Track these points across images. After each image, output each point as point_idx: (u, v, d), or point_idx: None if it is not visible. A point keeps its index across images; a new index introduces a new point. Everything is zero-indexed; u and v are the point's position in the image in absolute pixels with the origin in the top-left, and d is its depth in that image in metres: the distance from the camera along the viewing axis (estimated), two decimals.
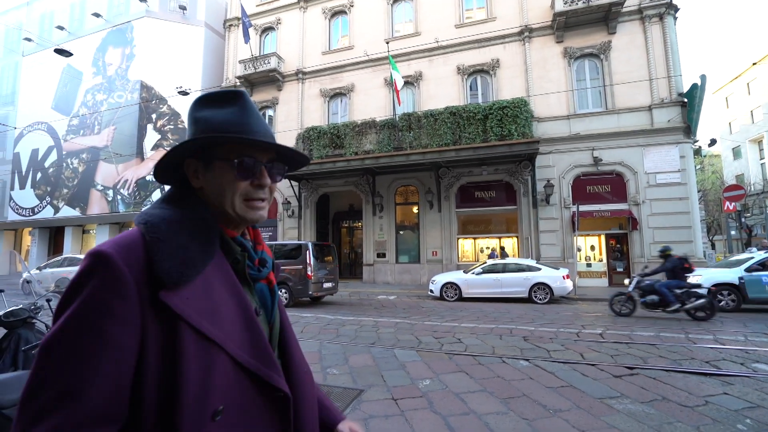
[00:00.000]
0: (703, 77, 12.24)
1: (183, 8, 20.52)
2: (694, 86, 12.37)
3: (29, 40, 23.08)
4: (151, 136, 20.16)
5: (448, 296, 11.14)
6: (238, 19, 17.83)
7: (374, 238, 16.21)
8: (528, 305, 10.04)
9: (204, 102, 0.79)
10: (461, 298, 11.02)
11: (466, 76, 15.55)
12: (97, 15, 21.51)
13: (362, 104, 16.90)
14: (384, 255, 16.04)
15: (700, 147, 29.30)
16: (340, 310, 9.36)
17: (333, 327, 7.33)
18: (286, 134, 17.65)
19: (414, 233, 15.92)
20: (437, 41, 15.77)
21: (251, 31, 18.76)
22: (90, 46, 22.36)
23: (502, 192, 14.80)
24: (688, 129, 12.82)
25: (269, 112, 19.01)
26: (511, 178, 14.41)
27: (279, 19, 19.15)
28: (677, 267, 8.05)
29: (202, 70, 20.57)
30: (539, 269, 10.59)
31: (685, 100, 12.87)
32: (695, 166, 15.89)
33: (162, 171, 0.79)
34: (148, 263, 0.63)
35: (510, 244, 14.92)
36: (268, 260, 0.85)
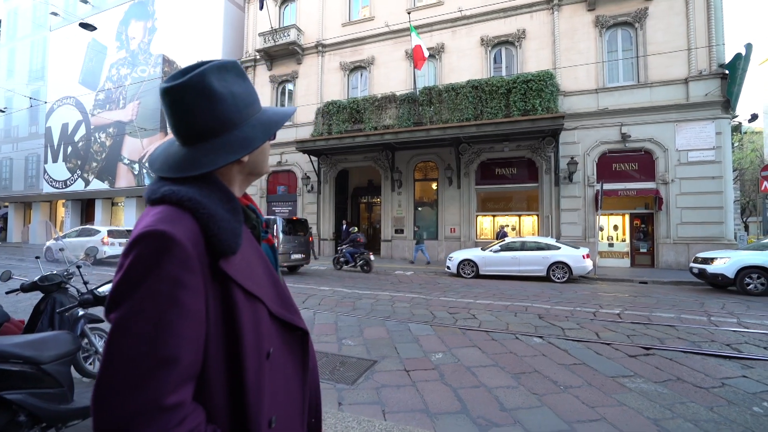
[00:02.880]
0: (748, 46, 11.40)
1: None
2: (738, 56, 11.53)
3: (55, 14, 23.41)
4: None
5: (465, 273, 11.17)
6: None
7: (392, 214, 16.26)
8: (546, 284, 9.98)
9: (225, 73, 0.79)
10: (478, 276, 11.03)
11: (489, 48, 14.95)
12: None
13: (382, 78, 16.58)
14: (402, 231, 16.11)
15: (739, 123, 27.58)
16: (357, 285, 9.55)
17: (350, 300, 7.51)
18: (305, 108, 17.59)
19: (432, 210, 15.86)
20: (461, 11, 15.12)
21: (270, 2, 18.47)
22: (113, 20, 22.55)
23: (523, 169, 14.47)
24: (727, 103, 12.05)
25: (289, 86, 18.92)
26: (533, 154, 14.03)
27: None
28: (354, 240, 12.45)
29: (222, 42, 20.53)
30: (558, 248, 10.44)
31: (726, 72, 12.03)
32: (733, 144, 15.05)
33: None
34: (204, 237, 0.70)
35: (530, 222, 14.69)
36: (270, 223, 0.94)
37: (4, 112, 25.02)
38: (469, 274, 11.11)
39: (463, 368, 3.93)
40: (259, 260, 0.83)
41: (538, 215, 14.25)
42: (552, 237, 12.83)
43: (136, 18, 21.74)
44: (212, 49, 20.11)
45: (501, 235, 13.37)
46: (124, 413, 0.59)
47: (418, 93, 14.49)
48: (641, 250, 13.24)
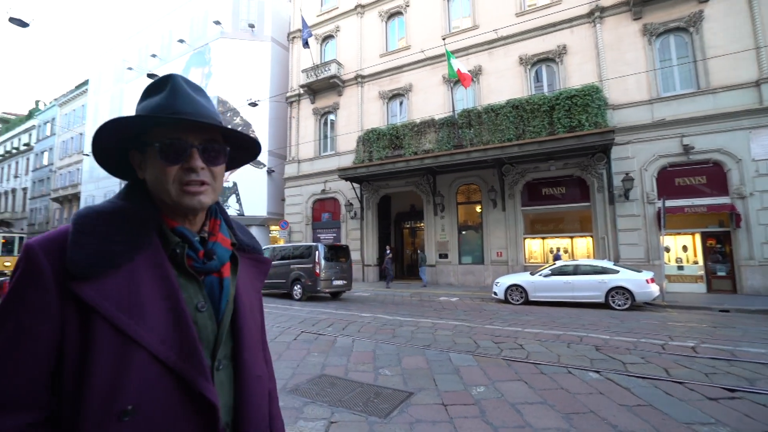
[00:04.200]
0: None
1: (252, 26, 22.14)
2: None
3: (130, 69, 26.57)
4: None
5: (513, 299, 10.54)
6: (301, 30, 18.71)
7: (436, 239, 15.95)
8: (604, 311, 9.11)
9: (144, 93, 0.77)
10: (527, 302, 10.35)
11: (529, 67, 14.65)
12: (181, 41, 24.03)
13: (421, 103, 16.75)
14: (446, 256, 15.70)
15: None
16: (399, 311, 9.31)
17: (390, 327, 7.29)
18: (346, 137, 18.15)
19: (477, 233, 15.36)
20: (497, 32, 15.07)
21: (312, 40, 19.63)
22: (177, 69, 25.03)
23: (573, 188, 13.68)
24: None
25: (331, 116, 19.68)
26: (583, 172, 13.25)
27: (338, 27, 19.76)
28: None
29: (269, 81, 22.03)
30: (617, 271, 9.56)
31: None
32: None
33: (111, 166, 0.81)
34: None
35: (583, 244, 13.71)
36: (219, 252, 0.78)
37: (88, 155, 28.36)
38: (517, 301, 10.46)
39: (506, 405, 3.57)
40: (161, 293, 0.67)
41: (592, 236, 13.28)
42: (609, 260, 11.84)
43: (195, 65, 24.00)
44: (261, 88, 21.61)
45: (556, 258, 12.58)
46: None
47: (456, 116, 14.42)
48: (719, 274, 11.77)
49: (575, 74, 13.72)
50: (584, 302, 9.80)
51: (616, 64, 13.05)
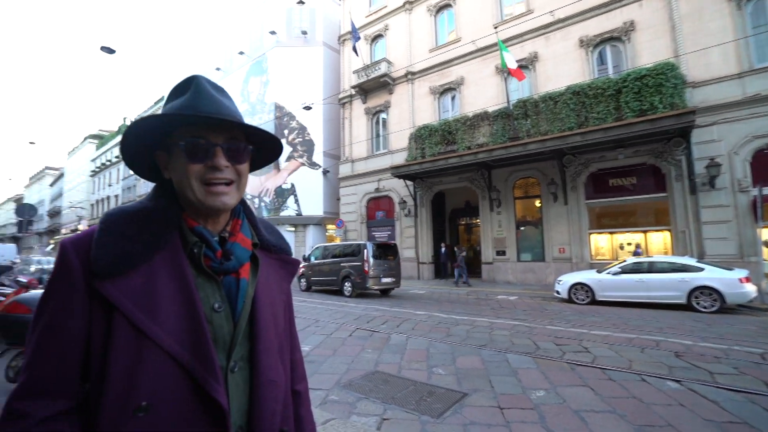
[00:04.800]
0: None
1: (304, 33, 23.01)
2: None
3: None
4: (285, 149, 23.06)
5: (577, 299, 9.87)
6: (351, 33, 19.06)
7: (493, 235, 15.42)
8: (686, 314, 8.20)
9: (170, 95, 0.78)
10: (594, 302, 9.63)
11: (591, 49, 13.58)
12: (241, 53, 25.62)
13: (473, 97, 16.27)
14: (504, 253, 15.13)
15: None
16: (454, 310, 9.14)
17: (444, 326, 7.18)
18: (398, 135, 18.17)
19: (537, 229, 14.60)
20: (553, 14, 14.16)
21: (362, 41, 19.91)
22: (238, 80, 26.75)
23: (645, 177, 12.46)
24: None
25: (383, 115, 19.82)
26: (657, 160, 12.02)
27: (387, 26, 19.82)
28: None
29: (322, 84, 22.73)
30: (701, 269, 8.55)
31: None
32: None
33: (141, 168, 0.82)
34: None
35: (659, 239, 12.44)
36: (238, 252, 0.78)
37: None
38: (582, 300, 9.77)
39: (569, 411, 3.34)
40: (178, 293, 0.68)
41: (669, 230, 12.00)
42: (692, 256, 10.63)
43: (254, 75, 25.46)
44: (314, 91, 22.38)
45: (635, 254, 11.53)
46: (4, 405, 0.63)
47: (511, 107, 13.80)
48: None
49: (645, 52, 12.46)
50: (661, 303, 8.90)
51: (696, 36, 11.63)
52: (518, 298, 11.03)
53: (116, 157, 42.88)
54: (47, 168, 69.23)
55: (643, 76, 11.11)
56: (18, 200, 66.04)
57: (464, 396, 3.74)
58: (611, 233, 13.23)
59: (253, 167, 0.88)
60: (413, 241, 17.59)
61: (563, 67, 14.02)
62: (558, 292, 10.33)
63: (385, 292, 12.38)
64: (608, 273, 9.62)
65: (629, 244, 12.80)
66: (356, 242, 12.87)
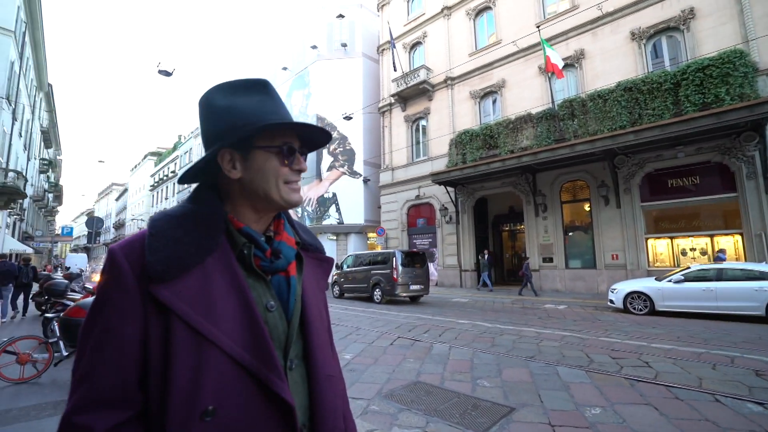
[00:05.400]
0: None
1: (344, 45, 23.60)
2: None
3: None
4: (326, 159, 23.70)
5: (634, 309, 9.18)
6: (389, 43, 19.29)
7: (539, 242, 14.80)
8: (765, 327, 7.34)
9: (227, 90, 0.78)
10: (653, 312, 8.90)
11: (644, 41, 12.75)
12: (284, 68, 26.73)
13: (515, 99, 15.82)
14: (551, 260, 14.45)
15: None
16: (499, 319, 8.82)
17: (489, 336, 6.93)
18: (439, 141, 18.04)
19: (587, 234, 13.82)
20: (601, 8, 13.48)
21: (400, 49, 20.07)
22: (282, 95, 27.89)
23: (710, 176, 11.42)
24: None
25: (422, 122, 19.78)
26: (724, 157, 10.98)
27: (425, 33, 19.85)
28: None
29: (362, 94, 23.13)
30: None
31: None
32: None
33: (194, 169, 0.80)
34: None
35: (728, 243, 11.30)
36: (285, 251, 0.79)
37: None
38: (640, 310, 9.06)
39: None
40: (233, 294, 0.68)
41: (741, 234, 10.88)
42: None
43: (297, 89, 26.44)
44: (354, 101, 22.81)
45: (717, 259, 10.55)
46: (61, 420, 0.62)
47: (556, 107, 13.25)
48: None
49: (708, 40, 11.50)
50: (732, 315, 8.05)
51: None
52: (567, 307, 10.45)
53: (172, 172, 46.05)
54: (114, 184, 75.98)
55: (706, 67, 10.25)
56: (89, 214, 72.83)
57: (512, 411, 3.57)
58: (671, 238, 12.21)
59: None
60: (455, 248, 17.28)
61: (613, 63, 13.28)
62: (612, 302, 9.67)
63: (414, 299, 12.59)
64: (669, 281, 8.86)
65: (693, 249, 11.74)
66: (386, 251, 13.24)
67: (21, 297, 10.39)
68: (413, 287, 11.99)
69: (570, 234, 14.28)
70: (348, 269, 13.91)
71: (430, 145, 18.95)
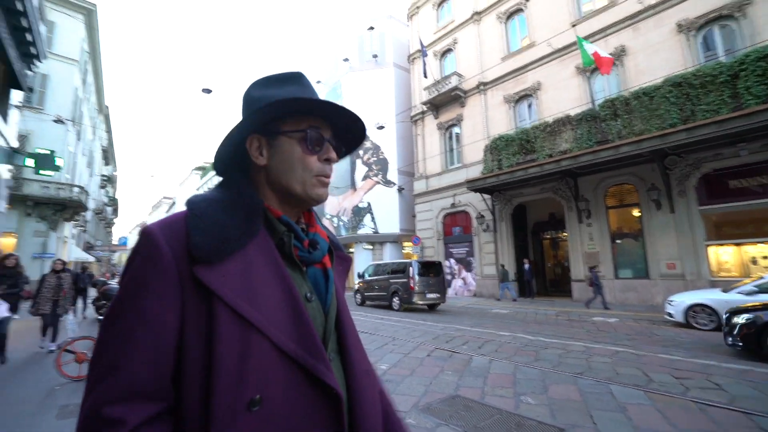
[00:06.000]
0: None
1: (375, 56, 23.91)
2: None
3: None
4: (360, 169, 23.90)
5: (698, 323, 8.35)
6: (420, 51, 19.31)
7: (583, 250, 14.00)
8: None
9: (263, 83, 0.77)
10: (720, 327, 8.04)
11: (693, 33, 11.89)
12: (318, 82, 27.45)
13: (551, 101, 15.24)
14: (597, 269, 13.58)
15: None
16: (542, 331, 8.32)
17: (532, 349, 6.52)
18: (473, 147, 17.71)
19: (637, 242, 12.89)
20: (642, 1, 12.74)
21: (431, 57, 20.03)
22: None
23: None
24: None
25: (455, 129, 19.51)
26: None
27: (455, 39, 19.70)
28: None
29: (394, 103, 23.25)
30: None
31: None
32: None
33: (223, 155, 0.77)
34: (188, 239, 0.62)
35: None
36: (321, 243, 0.78)
37: None
38: (705, 325, 8.22)
39: None
40: (275, 280, 0.65)
41: None
42: None
43: (331, 100, 26.99)
44: (387, 111, 22.95)
45: None
46: (80, 413, 0.56)
47: (597, 108, 12.60)
48: None
49: None
50: None
51: None
52: (619, 321, 9.71)
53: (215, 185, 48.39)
54: (164, 198, 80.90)
55: None
56: (142, 225, 78.04)
57: None
58: (737, 245, 11.11)
59: None
60: (493, 257, 16.73)
61: (658, 58, 12.47)
62: (670, 315, 8.87)
63: (431, 307, 12.99)
64: (738, 292, 7.99)
65: (765, 257, 10.60)
66: (403, 261, 13.64)
67: (80, 300, 11.49)
68: (429, 296, 12.37)
69: (618, 241, 13.39)
70: (369, 278, 14.45)
71: (464, 152, 18.62)
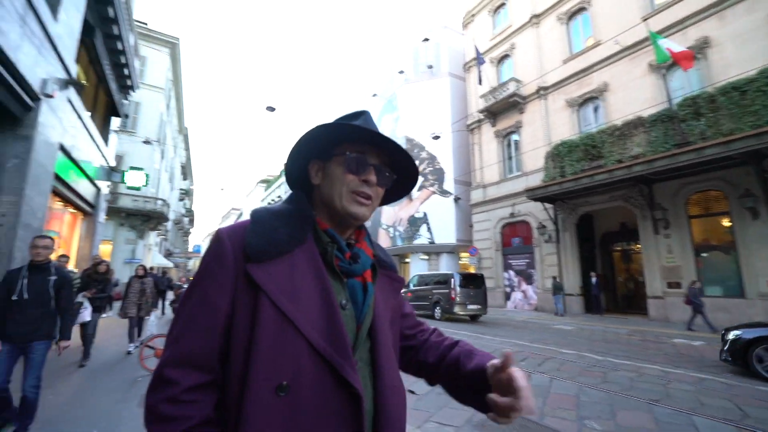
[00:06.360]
0: None
1: (430, 67, 24.00)
2: None
3: None
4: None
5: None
6: (475, 59, 19.04)
7: (660, 263, 12.70)
8: None
9: (339, 119, 0.89)
10: None
11: None
12: (374, 95, 28.14)
13: (620, 103, 14.18)
14: (678, 284, 12.24)
15: None
16: (611, 351, 7.66)
17: (599, 370, 6.03)
18: (533, 155, 17.00)
19: (727, 255, 11.43)
20: None
21: (487, 64, 19.65)
22: (373, 119, 29.37)
23: None
24: None
25: (514, 136, 18.88)
26: None
27: (513, 45, 19.17)
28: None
29: (450, 113, 23.10)
30: None
31: None
32: None
33: (292, 175, 0.92)
34: (245, 241, 0.74)
35: None
36: (363, 258, 0.84)
37: None
38: None
39: None
40: (315, 284, 0.74)
41: None
42: None
43: (387, 113, 27.54)
44: (442, 121, 22.85)
45: None
46: (155, 370, 0.69)
47: (675, 107, 11.48)
48: None
49: None
50: None
51: None
52: (705, 344, 8.62)
53: (278, 197, 51.20)
54: (232, 209, 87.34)
55: None
56: None
57: None
58: None
59: (389, 199, 0.99)
60: (556, 269, 15.78)
61: (750, 48, 11.09)
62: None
63: (474, 318, 13.34)
64: None
65: None
66: (445, 273, 14.18)
67: (160, 301, 13.04)
68: (470, 306, 12.82)
69: (703, 255, 11.96)
70: (413, 287, 14.93)
71: (523, 160, 17.92)
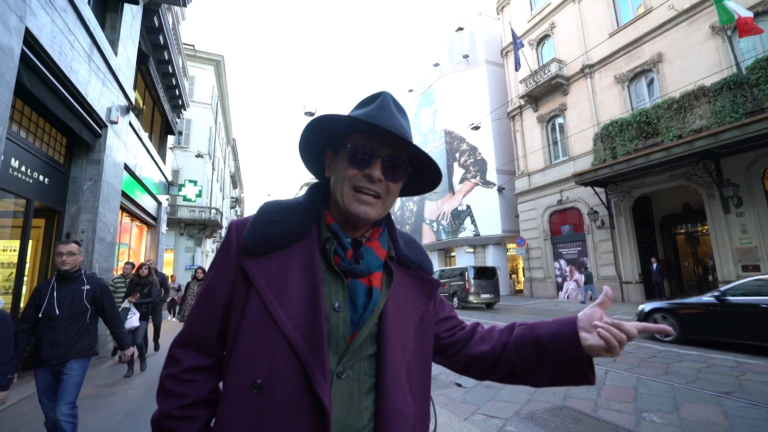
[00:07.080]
0: None
1: (466, 57, 23.47)
2: None
3: None
4: (458, 172, 23.59)
5: None
6: (513, 43, 18.35)
7: (733, 245, 11.57)
8: None
9: (357, 105, 0.82)
10: None
11: None
12: (410, 90, 28.01)
13: (678, 73, 13.03)
14: (757, 268, 11.08)
15: None
16: (676, 339, 7.14)
17: (661, 361, 5.67)
18: (580, 138, 16.13)
19: None
20: None
21: (526, 47, 18.86)
22: (409, 116, 29.24)
23: None
24: None
25: (558, 120, 18.00)
26: None
27: (553, 24, 18.21)
28: None
29: (489, 102, 22.47)
30: None
31: None
32: None
33: (310, 161, 0.88)
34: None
35: None
36: (369, 258, 0.76)
37: None
38: None
39: None
40: (305, 283, 0.70)
41: None
42: None
43: (424, 107, 27.32)
44: (481, 110, 22.28)
45: None
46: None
47: (745, 71, 10.37)
48: None
49: None
50: None
51: None
52: None
53: None
54: None
55: None
56: None
57: None
58: None
59: (413, 192, 0.90)
60: (611, 257, 14.89)
61: None
62: None
63: (489, 306, 14.84)
64: None
65: None
66: (460, 267, 16.03)
67: None
68: (483, 295, 14.34)
69: None
70: None
71: (569, 144, 17.04)
